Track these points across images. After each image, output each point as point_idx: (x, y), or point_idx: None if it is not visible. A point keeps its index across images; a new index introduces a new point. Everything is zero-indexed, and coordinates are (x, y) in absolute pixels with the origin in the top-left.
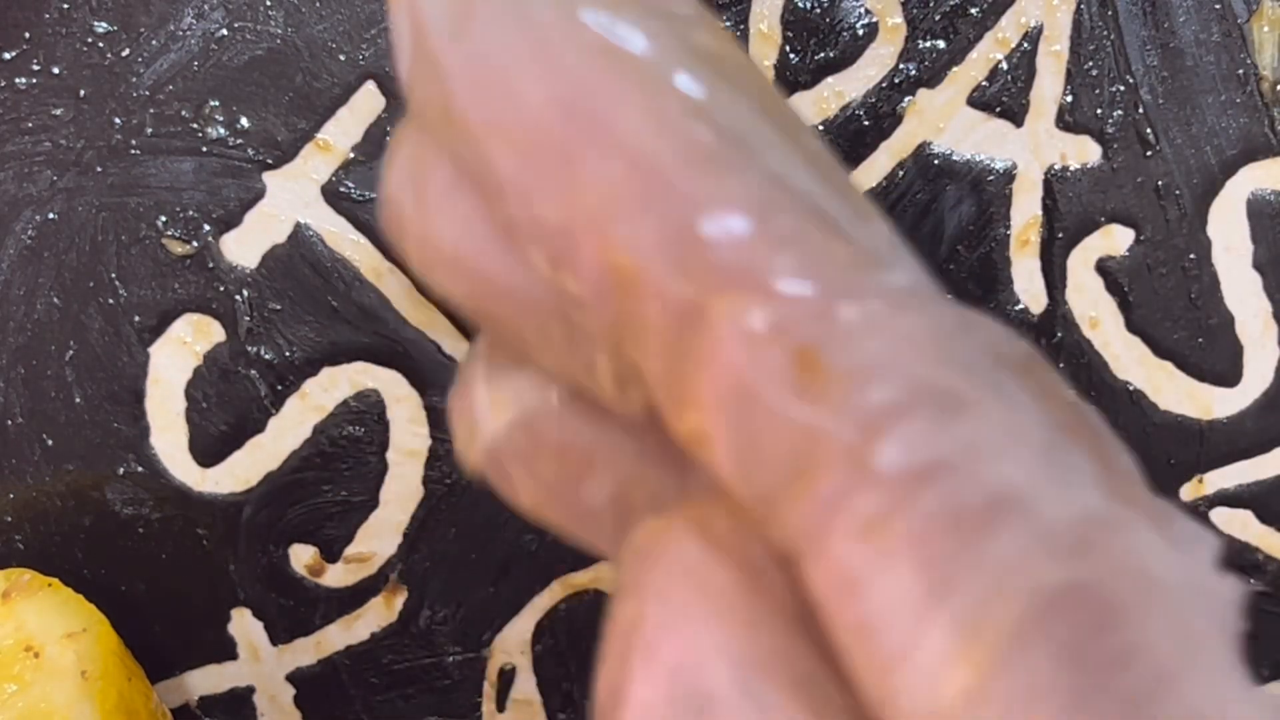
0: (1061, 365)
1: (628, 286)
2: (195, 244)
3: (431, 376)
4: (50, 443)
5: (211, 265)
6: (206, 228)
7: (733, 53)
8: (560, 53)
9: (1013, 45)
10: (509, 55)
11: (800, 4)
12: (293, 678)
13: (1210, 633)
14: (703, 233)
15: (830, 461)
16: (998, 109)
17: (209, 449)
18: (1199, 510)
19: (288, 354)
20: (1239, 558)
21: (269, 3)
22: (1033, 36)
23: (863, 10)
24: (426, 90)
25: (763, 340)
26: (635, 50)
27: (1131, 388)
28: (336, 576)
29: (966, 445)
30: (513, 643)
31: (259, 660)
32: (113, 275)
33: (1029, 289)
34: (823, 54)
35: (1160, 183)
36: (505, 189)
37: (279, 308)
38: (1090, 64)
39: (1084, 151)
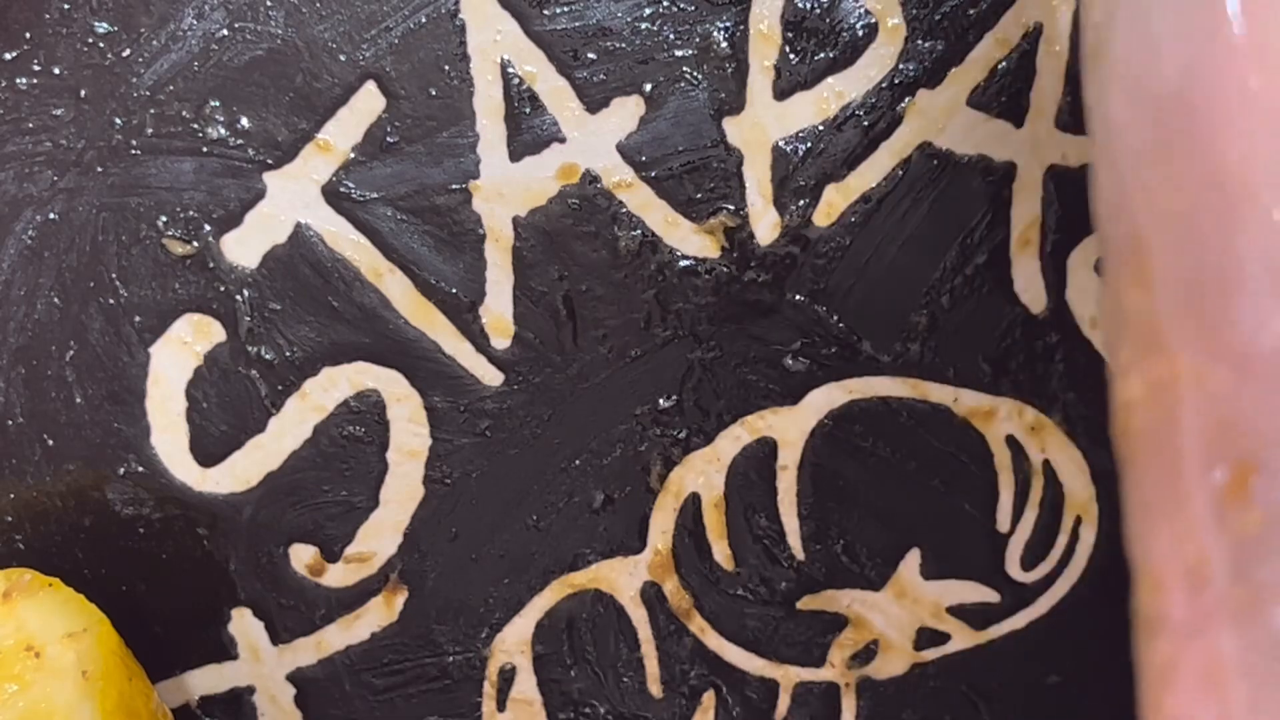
0: (1061, 365)
1: None
2: (195, 244)
3: (431, 376)
4: (51, 443)
5: (212, 265)
6: (207, 228)
7: None
8: None
9: (1013, 45)
10: None
11: (800, 4)
12: (293, 678)
13: None
14: None
15: (1209, 597)
16: (998, 109)
17: (209, 449)
18: None
19: (288, 354)
20: None
21: (269, 3)
22: (1033, 36)
23: (863, 10)
24: None
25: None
26: None
27: None
28: (336, 576)
29: None
30: (513, 643)
31: (259, 660)
32: (113, 275)
33: (1029, 289)
34: (823, 54)
35: None
36: None
37: (279, 308)
38: None
39: (1084, 151)
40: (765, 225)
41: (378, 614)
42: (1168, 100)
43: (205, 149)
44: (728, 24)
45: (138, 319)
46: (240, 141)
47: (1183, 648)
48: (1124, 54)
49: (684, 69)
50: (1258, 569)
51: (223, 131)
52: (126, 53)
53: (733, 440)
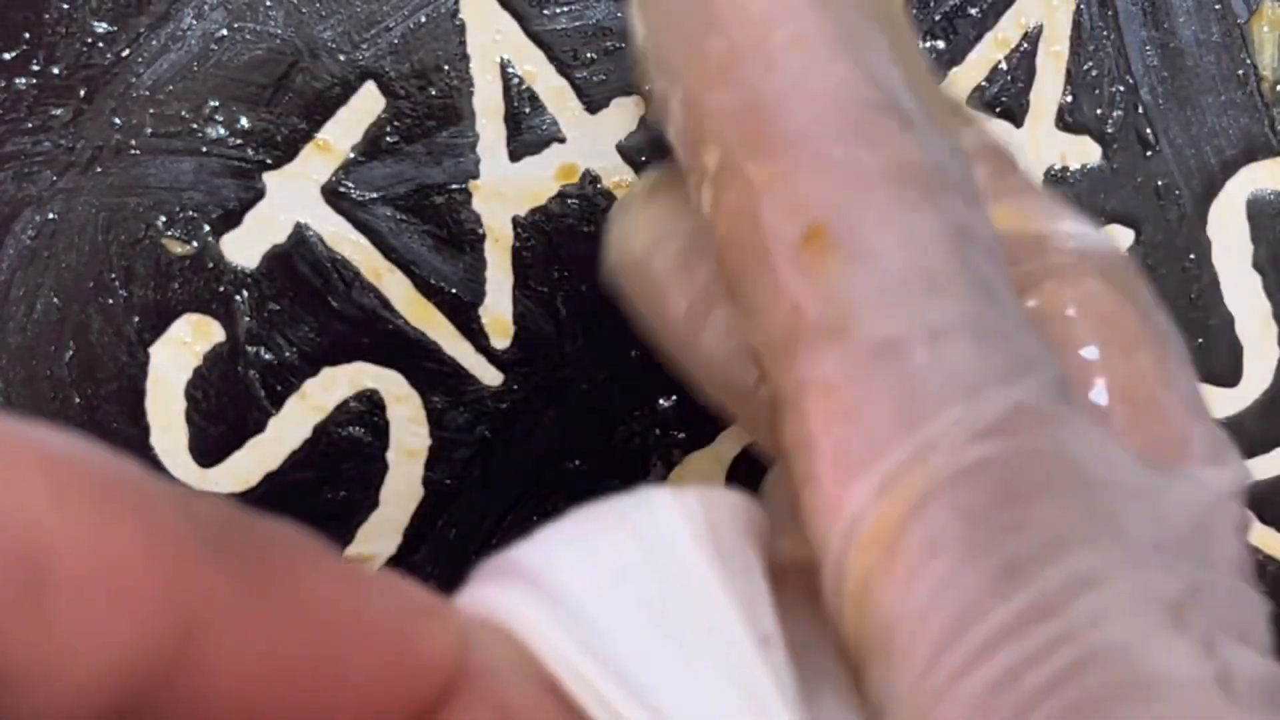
0: None
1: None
2: (195, 244)
3: (431, 377)
4: None
5: (211, 265)
6: (206, 228)
7: None
8: None
9: (1013, 45)
10: None
11: None
12: None
13: (1122, 523)
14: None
15: (806, 333)
16: (998, 109)
17: (209, 449)
18: None
19: (288, 354)
20: None
21: (269, 3)
22: (1033, 37)
23: None
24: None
25: (785, 206)
26: None
27: None
28: None
29: (930, 331)
30: None
31: None
32: (112, 275)
33: None
34: None
35: (1160, 183)
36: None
37: (279, 308)
38: (1090, 64)
39: (1084, 152)
40: None
41: None
42: None
43: (204, 149)
44: None
45: (137, 319)
46: (240, 141)
47: (796, 393)
48: None
49: None
50: (844, 293)
51: (222, 131)
52: (126, 52)
53: (734, 441)
